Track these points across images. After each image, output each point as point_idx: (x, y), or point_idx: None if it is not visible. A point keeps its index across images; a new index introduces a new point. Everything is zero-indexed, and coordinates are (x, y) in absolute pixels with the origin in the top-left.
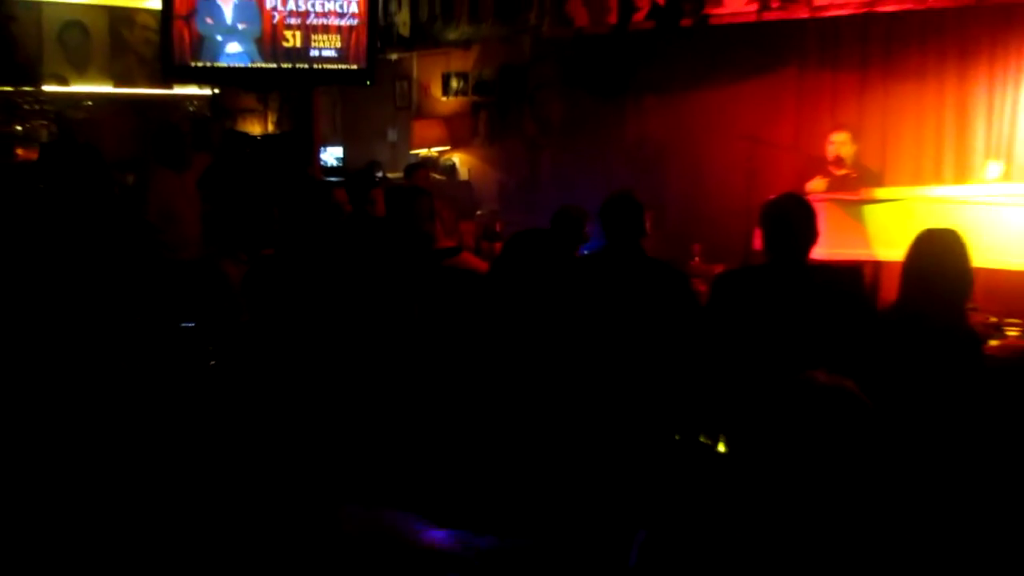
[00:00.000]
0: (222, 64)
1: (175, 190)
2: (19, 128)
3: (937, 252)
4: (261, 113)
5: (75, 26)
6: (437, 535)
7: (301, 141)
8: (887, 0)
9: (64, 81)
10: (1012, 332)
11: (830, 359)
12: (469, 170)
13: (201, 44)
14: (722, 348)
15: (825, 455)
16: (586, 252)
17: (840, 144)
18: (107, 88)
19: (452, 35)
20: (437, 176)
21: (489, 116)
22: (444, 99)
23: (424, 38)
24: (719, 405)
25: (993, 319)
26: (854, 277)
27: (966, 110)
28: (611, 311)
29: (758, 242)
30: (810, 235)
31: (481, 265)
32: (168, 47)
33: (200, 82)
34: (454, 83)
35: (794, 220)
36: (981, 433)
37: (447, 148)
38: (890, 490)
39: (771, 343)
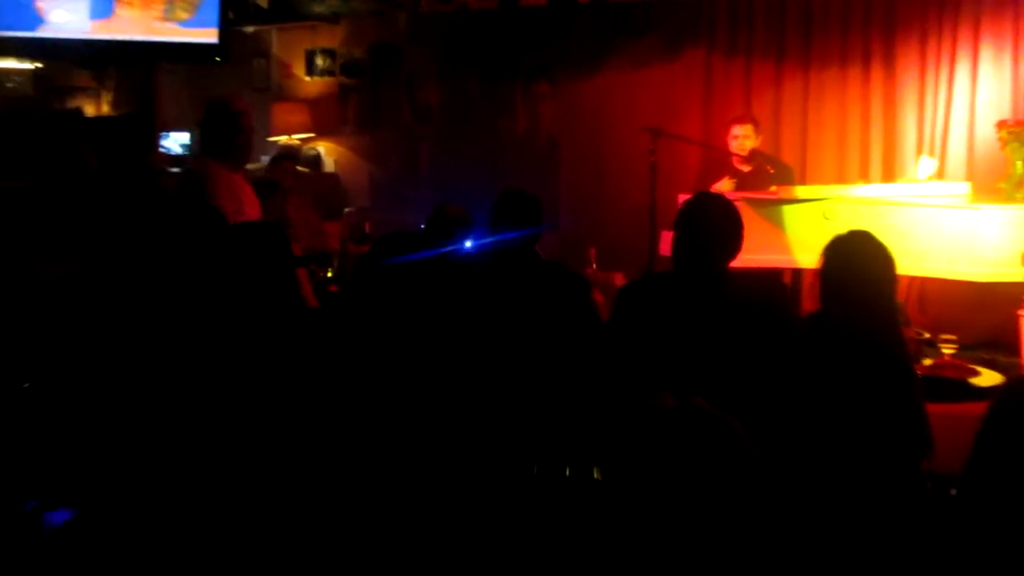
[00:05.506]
0: (46, 35)
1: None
2: None
3: (849, 260)
4: (95, 92)
5: None
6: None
7: (140, 125)
8: None
9: None
10: (947, 349)
11: (740, 381)
12: (336, 161)
13: (17, 10)
14: (623, 369)
15: (679, 478)
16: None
17: (743, 137)
18: None
19: (317, 7)
20: (300, 168)
21: (359, 100)
22: (308, 80)
23: (285, 10)
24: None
25: (926, 335)
26: (774, 289)
27: (895, 100)
28: (496, 321)
29: (665, 246)
30: (728, 242)
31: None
32: None
33: (19, 56)
34: (320, 62)
35: (710, 224)
36: (914, 453)
37: (311, 136)
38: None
39: (673, 365)
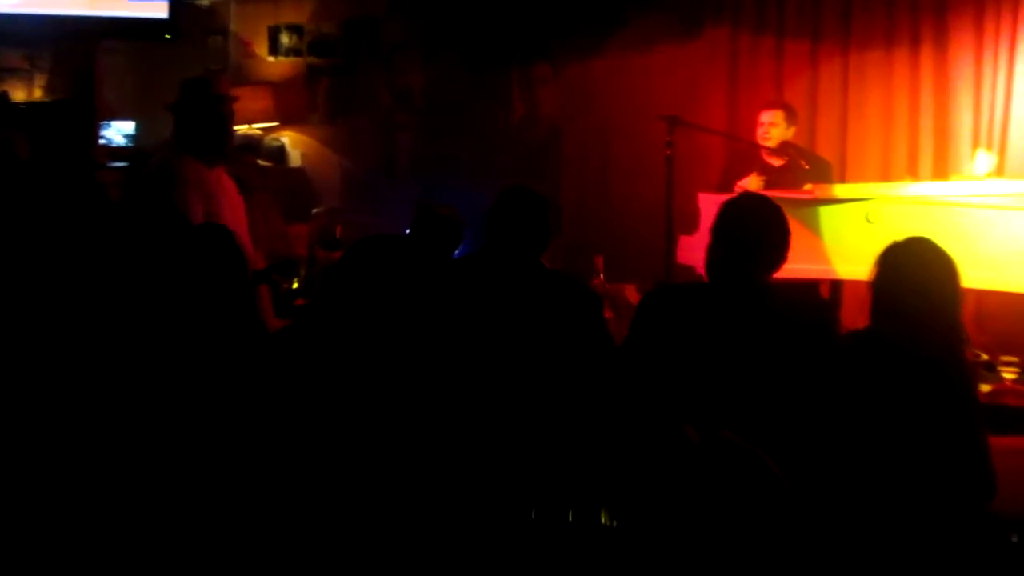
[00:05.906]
0: None
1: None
2: None
3: (906, 270)
4: (26, 75)
5: None
6: None
7: (78, 112)
8: None
9: None
10: (1008, 373)
11: (786, 411)
12: (303, 154)
13: None
14: (644, 397)
15: (706, 522)
16: (459, 262)
17: (770, 125)
18: None
19: None
20: (262, 162)
21: (331, 84)
22: (271, 60)
23: None
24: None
25: (984, 356)
26: (823, 306)
27: (947, 87)
28: (493, 342)
29: (683, 253)
30: (773, 251)
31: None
32: None
33: None
34: (285, 39)
35: (754, 228)
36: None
37: (274, 125)
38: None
39: (706, 392)
